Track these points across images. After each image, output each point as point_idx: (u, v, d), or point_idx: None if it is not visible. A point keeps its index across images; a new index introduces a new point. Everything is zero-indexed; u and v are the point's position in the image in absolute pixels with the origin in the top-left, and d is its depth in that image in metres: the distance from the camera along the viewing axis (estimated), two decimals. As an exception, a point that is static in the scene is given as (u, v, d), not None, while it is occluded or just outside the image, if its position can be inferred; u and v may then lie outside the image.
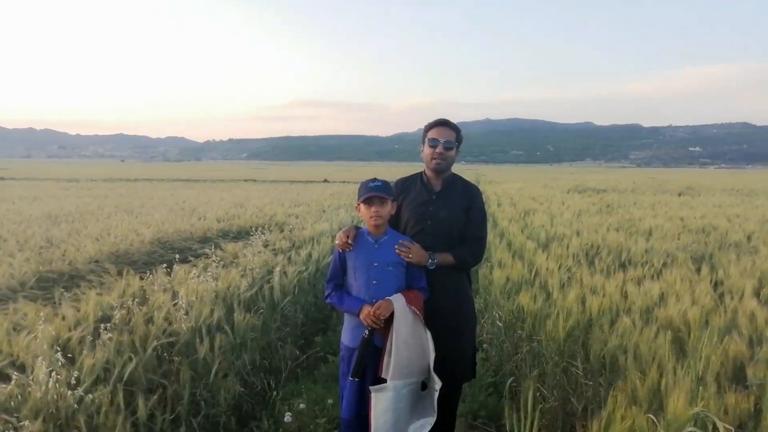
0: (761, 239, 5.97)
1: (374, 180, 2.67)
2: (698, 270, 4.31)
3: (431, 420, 2.56)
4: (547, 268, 4.52)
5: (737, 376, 2.34)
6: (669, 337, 2.59)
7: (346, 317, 2.70)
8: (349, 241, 2.65)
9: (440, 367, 2.66)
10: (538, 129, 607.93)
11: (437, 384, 2.56)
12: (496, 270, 4.73)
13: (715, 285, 4.02)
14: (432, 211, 2.86)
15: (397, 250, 2.65)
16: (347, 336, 2.68)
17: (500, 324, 4.26)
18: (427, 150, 2.87)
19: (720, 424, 1.61)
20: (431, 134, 2.87)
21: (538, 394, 3.38)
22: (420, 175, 3.01)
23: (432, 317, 2.70)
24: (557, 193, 15.37)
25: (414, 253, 2.69)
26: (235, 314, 3.59)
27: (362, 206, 2.65)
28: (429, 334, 2.60)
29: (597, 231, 6.57)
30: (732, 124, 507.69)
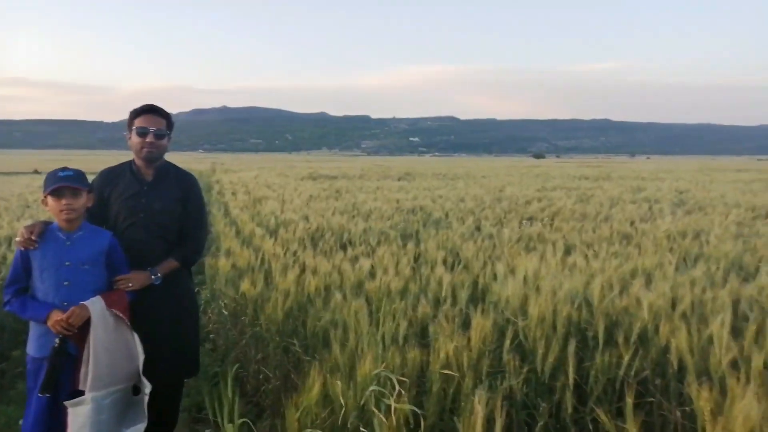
0: (455, 216, 6.97)
1: (65, 169, 2.40)
2: (405, 245, 4.85)
3: (142, 426, 2.43)
4: (274, 253, 4.62)
5: (423, 332, 2.70)
6: (372, 307, 2.86)
7: (32, 324, 2.39)
8: (33, 238, 2.33)
9: (162, 366, 2.55)
10: (276, 118, 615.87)
11: (147, 388, 2.43)
12: (222, 259, 4.67)
13: (417, 257, 4.57)
14: (144, 203, 2.69)
15: (116, 288, 2.46)
16: (33, 345, 2.37)
17: (225, 313, 4.23)
18: (135, 139, 2.68)
19: (394, 379, 1.84)
20: (139, 122, 2.68)
21: (261, 376, 3.45)
22: (129, 164, 2.80)
23: (150, 316, 2.57)
24: (292, 180, 15.80)
25: (134, 280, 2.53)
26: None
27: (50, 198, 2.36)
28: (136, 337, 2.44)
29: (323, 215, 6.93)
30: (443, 118, 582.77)
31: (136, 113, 2.72)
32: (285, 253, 4.67)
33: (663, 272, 3.34)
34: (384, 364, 1.94)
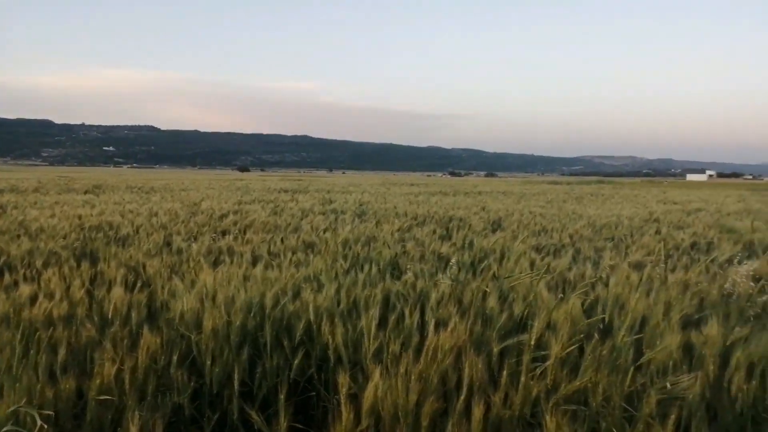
0: (146, 231, 6.58)
1: None
2: (80, 266, 4.39)
3: None
4: None
5: (85, 360, 2.48)
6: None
7: None
8: None
9: None
10: None
11: None
12: None
13: (95, 278, 4.19)
14: None
15: None
16: None
17: None
18: None
19: (36, 414, 1.67)
20: None
21: None
22: None
23: None
24: (-64, 195, 12.90)
25: None
26: None
27: None
28: None
29: (-25, 236, 5.84)
30: (141, 127, 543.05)
31: None
32: None
33: (334, 276, 3.71)
34: (25, 400, 1.73)
